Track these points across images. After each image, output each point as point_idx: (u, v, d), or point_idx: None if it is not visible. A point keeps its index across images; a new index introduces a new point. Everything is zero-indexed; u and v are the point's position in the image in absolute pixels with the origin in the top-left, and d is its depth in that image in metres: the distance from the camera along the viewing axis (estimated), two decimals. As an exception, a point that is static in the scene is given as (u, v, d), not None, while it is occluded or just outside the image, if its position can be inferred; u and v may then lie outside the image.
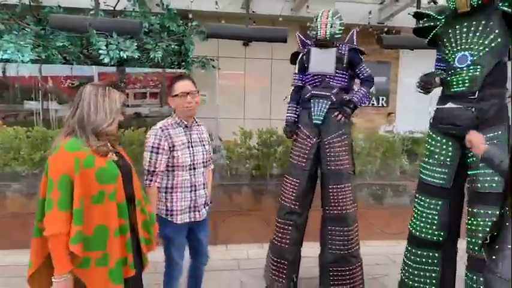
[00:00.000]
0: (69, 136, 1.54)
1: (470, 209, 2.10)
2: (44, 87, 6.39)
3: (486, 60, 2.04)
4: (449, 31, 2.18)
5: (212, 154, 2.38)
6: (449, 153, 2.21)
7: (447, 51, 2.19)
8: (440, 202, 2.24)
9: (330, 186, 2.68)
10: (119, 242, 1.55)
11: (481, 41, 2.04)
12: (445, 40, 2.21)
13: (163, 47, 5.22)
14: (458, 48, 2.12)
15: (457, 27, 2.14)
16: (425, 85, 2.29)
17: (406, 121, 6.41)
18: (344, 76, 2.75)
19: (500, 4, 2.01)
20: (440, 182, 2.23)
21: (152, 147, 2.05)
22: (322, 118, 2.68)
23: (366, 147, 4.38)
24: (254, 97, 7.60)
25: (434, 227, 2.26)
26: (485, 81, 2.04)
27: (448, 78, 2.19)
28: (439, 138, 2.26)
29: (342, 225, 2.69)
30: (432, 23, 2.30)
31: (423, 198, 2.31)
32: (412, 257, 2.36)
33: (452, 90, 2.16)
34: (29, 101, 6.46)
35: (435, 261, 2.29)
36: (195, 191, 2.18)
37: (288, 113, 2.92)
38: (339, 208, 2.68)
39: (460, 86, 2.12)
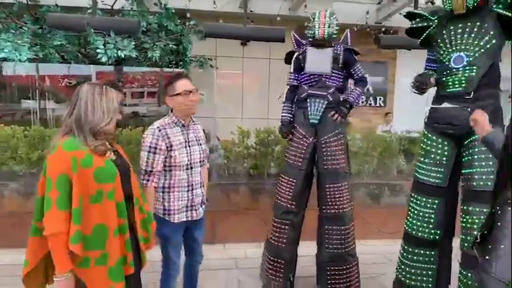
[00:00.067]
0: (67, 135, 1.54)
1: (465, 207, 2.12)
2: (41, 86, 6.37)
3: (481, 61, 2.06)
4: (444, 32, 2.20)
5: (208, 153, 2.39)
6: (445, 153, 2.23)
7: (442, 52, 2.21)
8: (436, 201, 2.26)
9: (326, 186, 2.70)
10: (119, 241, 1.56)
11: (476, 42, 2.06)
12: (439, 41, 2.22)
13: (161, 46, 5.21)
14: (454, 49, 2.14)
15: (451, 28, 2.16)
16: (420, 86, 2.31)
17: (403, 121, 6.44)
18: (339, 76, 2.76)
19: (494, 6, 2.03)
20: (437, 181, 2.25)
21: (150, 147, 2.05)
22: (318, 118, 2.69)
23: (363, 147, 4.39)
24: (252, 96, 7.61)
25: (431, 226, 2.28)
26: (480, 82, 2.07)
27: (444, 79, 2.20)
28: (434, 137, 2.28)
29: (339, 224, 2.70)
30: (425, 24, 2.31)
31: (419, 198, 2.33)
32: (409, 256, 2.38)
33: (448, 90, 2.18)
34: (27, 100, 6.45)
35: (432, 259, 2.31)
36: (192, 190, 2.19)
37: (283, 112, 2.92)
38: (336, 207, 2.69)
39: (456, 86, 2.13)
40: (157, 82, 6.88)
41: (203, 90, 6.45)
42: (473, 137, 2.10)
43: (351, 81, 2.90)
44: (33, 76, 6.28)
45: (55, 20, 4.41)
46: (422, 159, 2.35)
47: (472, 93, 2.08)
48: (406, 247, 2.40)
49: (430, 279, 2.32)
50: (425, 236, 2.29)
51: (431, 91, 2.37)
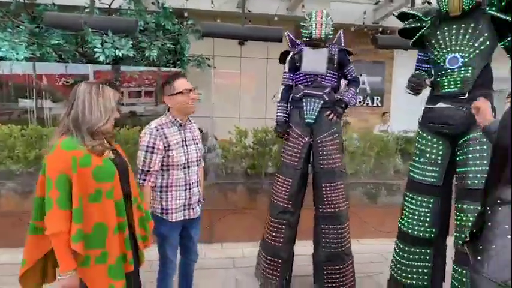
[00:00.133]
0: (65, 135, 1.54)
1: (459, 205, 2.14)
2: (38, 86, 6.35)
3: (476, 62, 2.09)
4: (438, 33, 2.21)
5: (203, 152, 2.40)
6: (440, 152, 2.25)
7: (436, 53, 2.22)
8: (432, 200, 2.28)
9: (323, 185, 2.71)
10: (118, 239, 1.57)
11: (471, 43, 2.08)
12: (433, 42, 2.24)
13: (159, 45, 5.20)
14: (449, 49, 2.15)
15: (445, 29, 2.17)
16: (415, 87, 2.32)
17: (400, 121, 6.45)
18: (334, 76, 2.78)
19: (487, 8, 2.05)
20: (432, 180, 2.27)
21: (147, 146, 2.05)
22: (314, 117, 2.70)
23: (360, 147, 4.41)
24: (249, 96, 7.62)
25: (426, 224, 2.30)
26: (475, 83, 2.09)
27: (439, 79, 2.22)
28: (429, 137, 2.30)
29: (335, 223, 2.72)
30: (418, 24, 2.32)
31: (415, 197, 2.34)
32: (405, 255, 2.39)
33: (444, 90, 2.19)
34: (24, 99, 6.43)
35: (427, 257, 2.33)
36: (190, 189, 2.20)
37: (278, 112, 2.92)
38: (332, 206, 2.71)
39: (451, 86, 2.15)
40: (154, 81, 6.87)
41: (201, 90, 6.45)
42: (468, 136, 2.12)
43: (343, 82, 2.92)
44: (30, 75, 6.25)
45: (52, 19, 4.40)
46: (417, 158, 2.36)
47: (467, 94, 2.10)
48: (401, 246, 2.42)
49: (426, 277, 2.34)
50: (421, 234, 2.31)
51: (427, 91, 2.39)
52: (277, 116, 2.92)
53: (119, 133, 3.88)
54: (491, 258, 1.00)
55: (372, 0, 6.87)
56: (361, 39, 6.98)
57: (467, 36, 2.09)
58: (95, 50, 4.59)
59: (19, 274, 1.57)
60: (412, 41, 2.38)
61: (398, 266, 2.43)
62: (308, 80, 2.76)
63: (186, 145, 2.18)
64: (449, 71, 2.15)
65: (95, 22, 4.38)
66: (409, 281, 2.37)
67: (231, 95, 7.46)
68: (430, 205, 2.28)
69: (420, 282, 2.35)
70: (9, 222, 3.51)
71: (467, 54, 2.09)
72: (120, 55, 4.74)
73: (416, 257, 2.35)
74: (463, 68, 2.10)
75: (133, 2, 5.38)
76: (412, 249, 2.36)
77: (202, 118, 5.37)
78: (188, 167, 2.18)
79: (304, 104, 2.73)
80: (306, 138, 2.74)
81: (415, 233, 2.32)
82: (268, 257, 2.84)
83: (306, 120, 2.72)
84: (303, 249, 2.97)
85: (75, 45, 5.46)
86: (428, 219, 2.29)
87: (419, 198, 2.32)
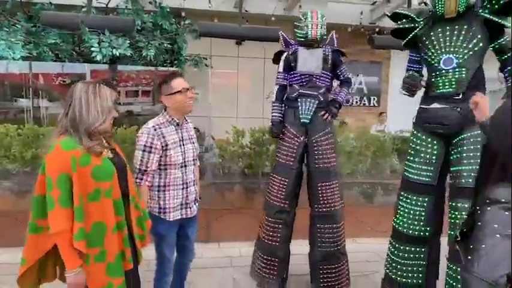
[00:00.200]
0: (63, 135, 1.54)
1: (453, 204, 2.16)
2: (35, 85, 6.33)
3: (470, 63, 2.12)
4: (431, 34, 2.23)
5: (199, 151, 2.40)
6: (435, 152, 2.28)
7: (430, 54, 2.24)
8: (426, 199, 2.31)
9: (318, 184, 2.73)
10: (117, 238, 1.58)
11: (465, 45, 2.11)
12: (427, 42, 2.26)
13: (156, 45, 5.20)
14: (443, 50, 2.18)
15: (439, 30, 2.20)
16: (410, 88, 2.35)
17: (397, 121, 6.47)
18: (328, 76, 2.80)
19: (480, 11, 2.08)
20: (427, 179, 2.30)
21: (145, 146, 2.05)
22: (309, 117, 2.72)
23: (357, 147, 4.43)
24: (247, 96, 7.62)
25: (421, 223, 2.32)
26: (470, 83, 2.12)
27: (433, 80, 2.25)
28: (424, 137, 2.32)
29: (331, 222, 2.74)
30: (411, 25, 2.34)
31: (409, 196, 2.37)
32: (400, 254, 2.41)
33: (438, 91, 2.22)
34: (20, 98, 6.40)
35: (422, 255, 2.36)
36: (187, 188, 2.21)
37: (273, 112, 2.91)
38: (328, 206, 2.73)
39: (446, 87, 2.18)
40: (151, 81, 6.87)
41: (198, 90, 6.45)
42: (462, 136, 2.15)
43: (335, 82, 2.94)
44: (27, 74, 6.24)
45: (49, 18, 4.39)
46: (412, 158, 2.38)
47: (461, 94, 2.13)
48: (396, 245, 2.44)
49: (420, 275, 2.36)
50: (416, 233, 2.33)
51: (422, 92, 2.41)
52: (272, 116, 2.91)
53: (116, 132, 3.87)
54: (481, 258, 1.01)
55: (368, 1, 6.90)
56: (358, 39, 7.01)
57: (461, 38, 2.12)
58: (92, 49, 4.58)
59: (19, 273, 1.57)
60: (405, 41, 2.39)
61: (393, 264, 2.46)
62: (303, 80, 2.77)
63: (183, 144, 2.19)
64: (443, 71, 2.18)
65: (92, 21, 4.38)
66: (404, 280, 2.39)
67: (228, 94, 7.46)
68: (425, 204, 2.31)
69: (415, 281, 2.37)
70: (5, 222, 3.50)
71: (461, 56, 2.12)
72: (117, 54, 4.73)
73: (411, 255, 2.37)
74: (457, 69, 2.13)
75: (131, 1, 5.38)
76: (406, 248, 2.38)
77: (200, 118, 5.38)
78: (185, 166, 2.19)
79: (299, 104, 2.75)
80: (301, 138, 2.75)
81: (410, 232, 2.35)
82: (265, 257, 2.86)
83: (302, 120, 2.74)
84: (299, 249, 2.99)
85: (72, 45, 5.45)
86: (423, 218, 2.31)
87: (414, 197, 2.34)
